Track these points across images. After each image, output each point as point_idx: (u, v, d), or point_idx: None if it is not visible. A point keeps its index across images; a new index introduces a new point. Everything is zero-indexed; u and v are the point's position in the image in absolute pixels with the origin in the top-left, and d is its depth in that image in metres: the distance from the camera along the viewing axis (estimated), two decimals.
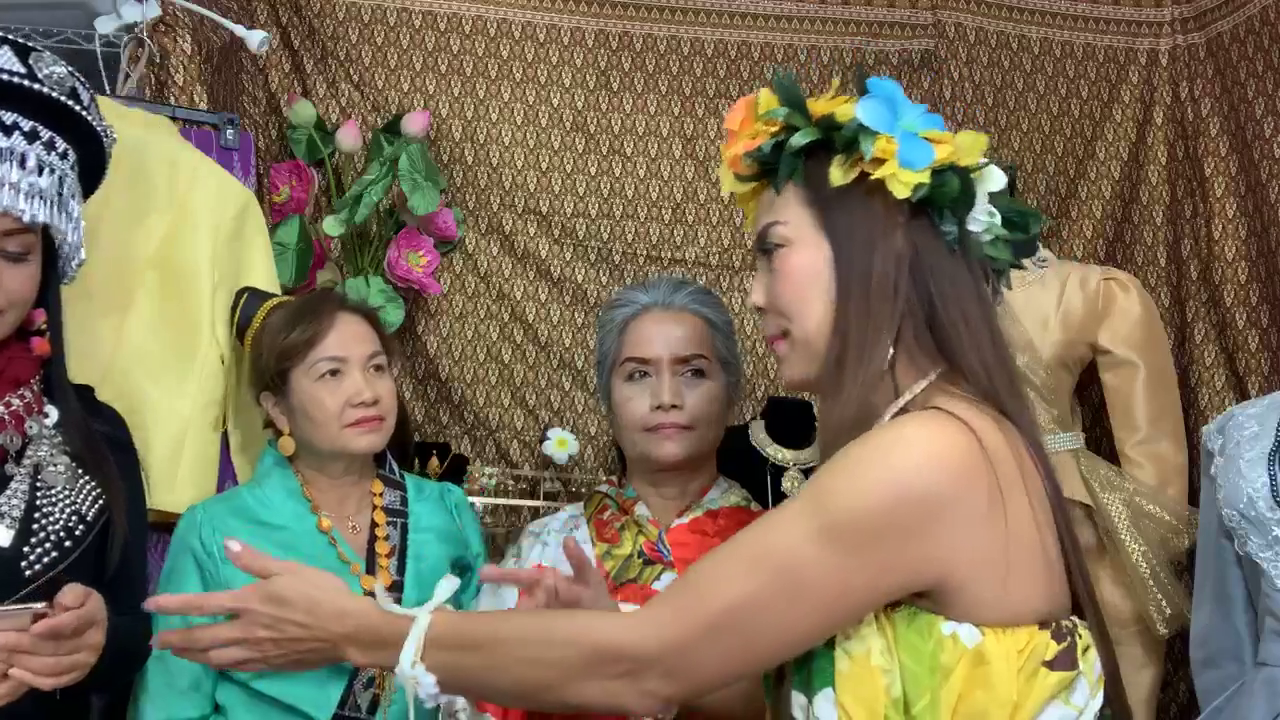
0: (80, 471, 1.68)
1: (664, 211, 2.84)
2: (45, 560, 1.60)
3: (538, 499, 2.68)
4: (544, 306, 2.80)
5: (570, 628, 1.25)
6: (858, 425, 1.21)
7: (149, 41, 2.25)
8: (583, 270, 2.81)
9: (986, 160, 1.31)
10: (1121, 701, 1.24)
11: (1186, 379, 2.75)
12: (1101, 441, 2.72)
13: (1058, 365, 2.59)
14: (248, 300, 2.05)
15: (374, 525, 1.96)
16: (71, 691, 1.53)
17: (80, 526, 1.64)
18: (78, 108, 1.65)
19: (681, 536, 1.83)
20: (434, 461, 2.55)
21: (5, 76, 1.58)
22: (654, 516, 1.86)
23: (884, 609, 1.17)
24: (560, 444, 2.66)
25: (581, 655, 1.21)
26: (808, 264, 1.28)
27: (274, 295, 2.10)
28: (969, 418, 1.17)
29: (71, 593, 1.45)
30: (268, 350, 1.94)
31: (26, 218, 1.57)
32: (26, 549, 1.59)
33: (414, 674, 1.22)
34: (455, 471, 2.57)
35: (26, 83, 1.59)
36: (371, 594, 1.86)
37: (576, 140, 2.81)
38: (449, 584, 1.29)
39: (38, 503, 1.62)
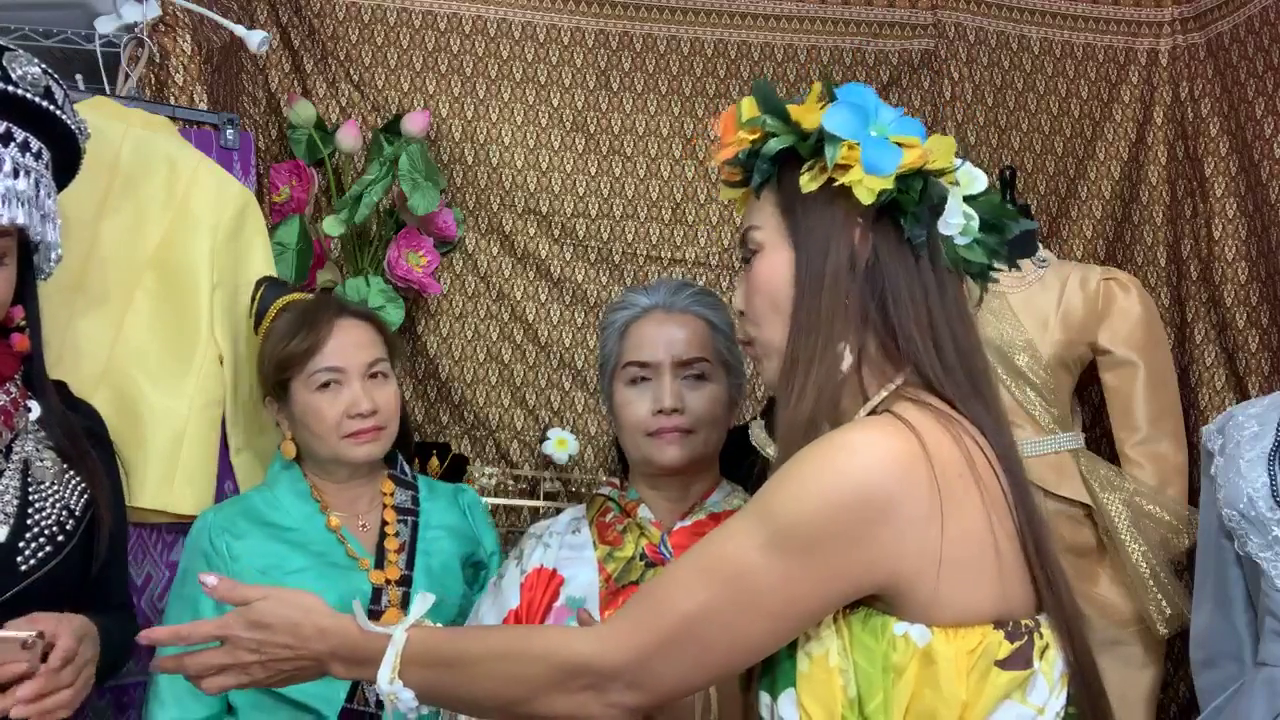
0: (65, 466, 1.68)
1: (664, 211, 2.84)
2: (40, 555, 1.60)
3: (538, 499, 2.68)
4: (544, 306, 2.80)
5: (538, 645, 1.29)
6: (810, 429, 1.23)
7: (149, 41, 2.25)
8: (583, 270, 2.81)
9: (962, 162, 1.31)
10: (1092, 700, 1.25)
11: (1186, 379, 2.75)
12: (1101, 441, 2.72)
13: (1058, 365, 2.59)
14: (266, 291, 2.05)
15: (384, 523, 1.97)
16: None
17: (70, 521, 1.65)
18: (52, 108, 1.64)
19: (684, 539, 1.82)
20: (434, 461, 2.56)
21: None
22: (656, 519, 1.85)
23: (841, 611, 1.19)
24: (560, 444, 2.66)
25: (549, 671, 1.25)
26: (774, 269, 1.31)
27: (290, 288, 2.10)
28: (916, 421, 1.18)
29: (67, 635, 1.47)
30: (269, 359, 1.95)
31: (4, 220, 1.56)
32: (21, 544, 1.59)
33: (392, 690, 1.27)
34: (455, 471, 2.57)
35: (1, 85, 1.58)
36: (380, 589, 1.89)
37: (576, 140, 2.81)
38: (424, 601, 1.33)
39: (30, 498, 1.62)
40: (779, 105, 1.31)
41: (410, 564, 1.95)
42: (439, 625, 1.35)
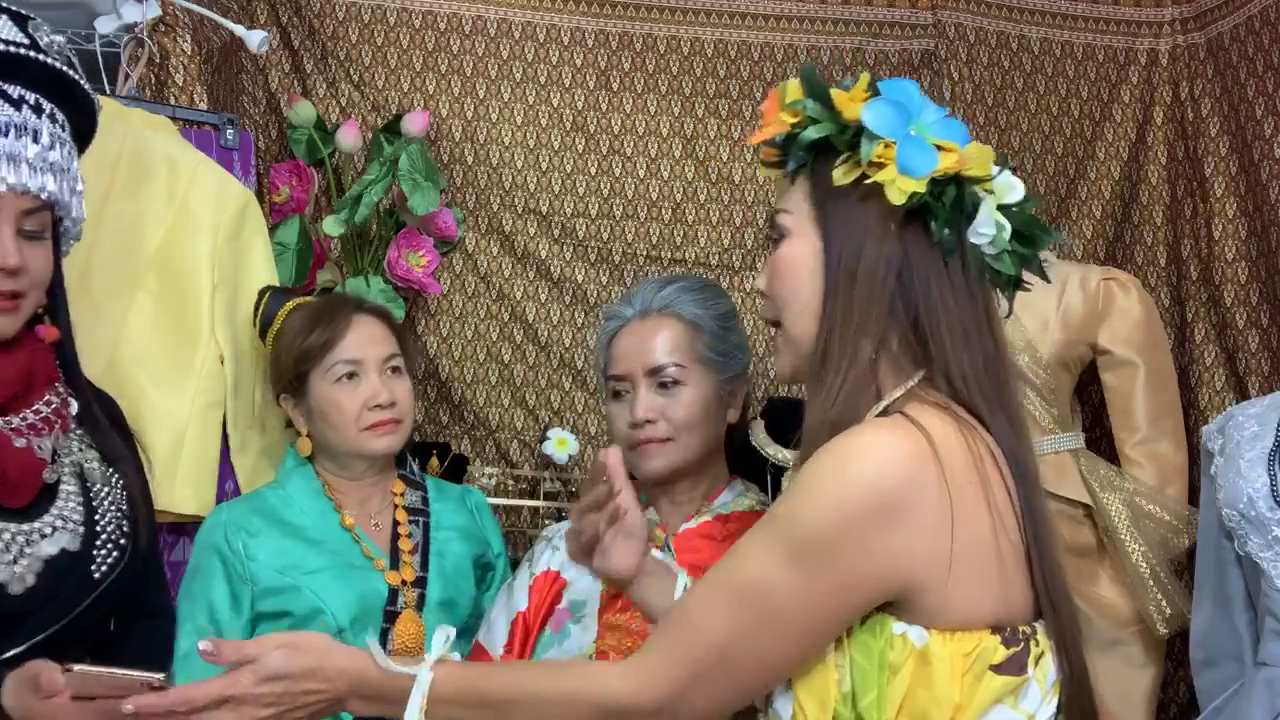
0: (107, 465, 1.65)
1: (664, 211, 2.84)
2: (110, 561, 1.59)
3: (538, 499, 2.68)
4: (544, 306, 2.80)
5: (571, 685, 1.27)
6: (837, 425, 1.23)
7: (149, 41, 2.25)
8: (583, 270, 2.81)
9: (1000, 170, 1.30)
10: (1083, 710, 1.25)
11: (1186, 379, 2.74)
12: (1101, 441, 2.72)
13: (1058, 365, 2.59)
14: (270, 299, 2.05)
15: (396, 523, 1.97)
16: None
17: (126, 522, 1.63)
18: (76, 76, 1.61)
19: (689, 541, 1.82)
20: (434, 461, 2.55)
21: (11, 48, 1.52)
22: (662, 521, 1.85)
23: None
24: (560, 444, 2.66)
25: (587, 713, 1.24)
26: (798, 257, 1.30)
27: (295, 295, 2.10)
28: (928, 423, 1.18)
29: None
30: (285, 353, 1.95)
31: (45, 194, 1.53)
32: (94, 552, 1.57)
33: None
34: (455, 471, 2.57)
35: (31, 53, 1.54)
36: (395, 590, 1.89)
37: (576, 140, 2.81)
38: (443, 635, 1.30)
39: (93, 504, 1.60)
40: (823, 90, 1.30)
41: (424, 565, 1.95)
42: (459, 658, 1.33)
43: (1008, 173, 1.32)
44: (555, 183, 2.80)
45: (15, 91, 1.53)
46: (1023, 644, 1.20)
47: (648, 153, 2.83)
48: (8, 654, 1.49)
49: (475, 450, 2.76)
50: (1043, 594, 1.23)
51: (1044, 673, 1.22)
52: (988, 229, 1.29)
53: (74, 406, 1.65)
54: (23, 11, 1.58)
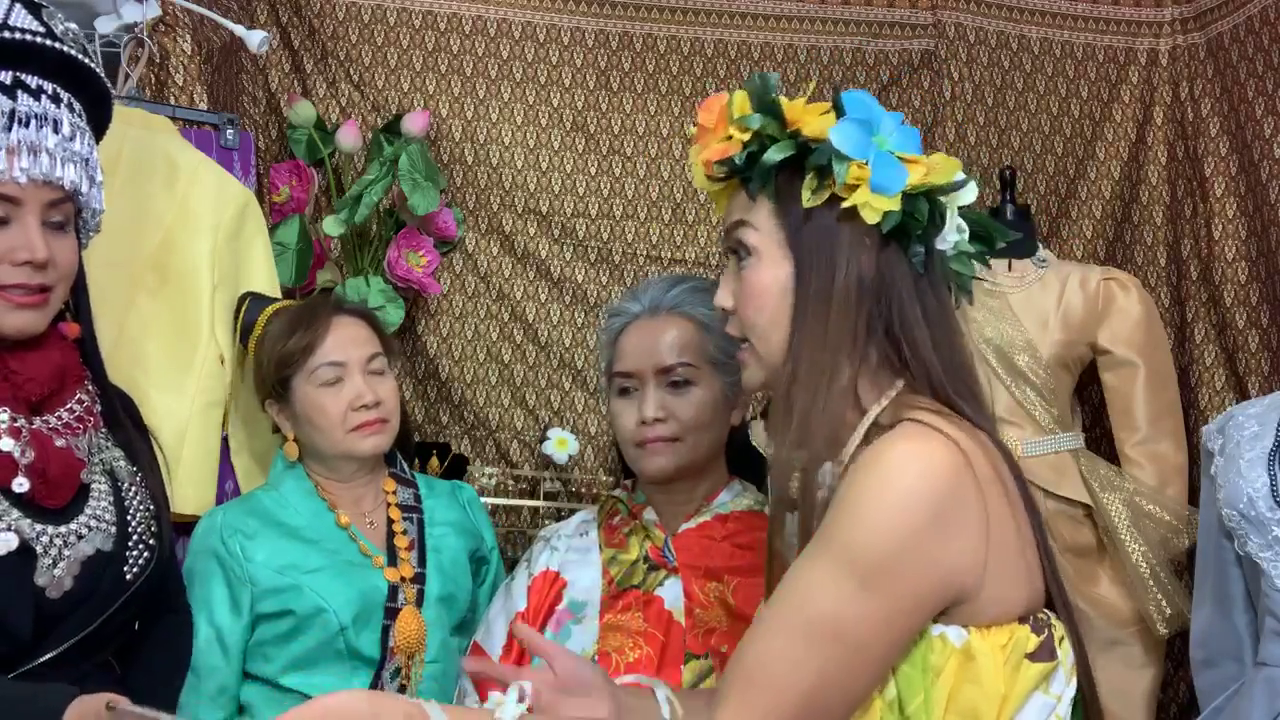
0: (132, 464, 1.64)
1: (664, 211, 2.84)
2: (141, 561, 1.58)
3: (538, 499, 2.68)
4: (544, 306, 2.80)
5: None
6: (831, 445, 1.24)
7: (149, 41, 2.25)
8: (583, 270, 2.81)
9: (963, 178, 1.29)
10: (1090, 687, 1.28)
11: (1186, 379, 2.75)
12: (1101, 441, 2.72)
13: (1058, 365, 2.59)
14: (249, 306, 2.05)
15: (390, 521, 1.97)
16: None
17: (153, 522, 1.62)
18: (92, 64, 1.57)
19: (688, 541, 1.81)
20: (434, 461, 2.56)
21: (29, 37, 1.49)
22: (661, 521, 1.84)
23: None
24: (560, 444, 2.66)
25: None
26: (771, 281, 1.29)
27: (275, 300, 2.10)
28: (946, 429, 1.19)
29: None
30: (268, 358, 1.95)
31: (68, 184, 1.50)
32: (126, 552, 1.56)
33: None
34: (455, 471, 2.57)
35: (49, 42, 1.50)
36: (395, 587, 1.89)
37: (576, 140, 2.81)
38: (517, 690, 1.21)
39: (125, 503, 1.59)
40: (775, 106, 1.28)
41: (422, 561, 1.96)
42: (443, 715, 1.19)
43: (963, 175, 1.30)
44: (555, 183, 2.80)
45: (34, 82, 1.49)
46: (1046, 631, 1.22)
47: (648, 153, 2.83)
48: (44, 657, 1.48)
49: (475, 450, 2.76)
50: (1050, 579, 1.26)
51: (1065, 654, 1.24)
52: (954, 235, 1.29)
53: (99, 405, 1.63)
54: (37, 0, 1.55)
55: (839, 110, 1.27)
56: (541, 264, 2.79)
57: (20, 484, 1.48)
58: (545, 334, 2.79)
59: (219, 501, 2.04)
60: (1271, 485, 1.92)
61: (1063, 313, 2.59)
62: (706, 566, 1.78)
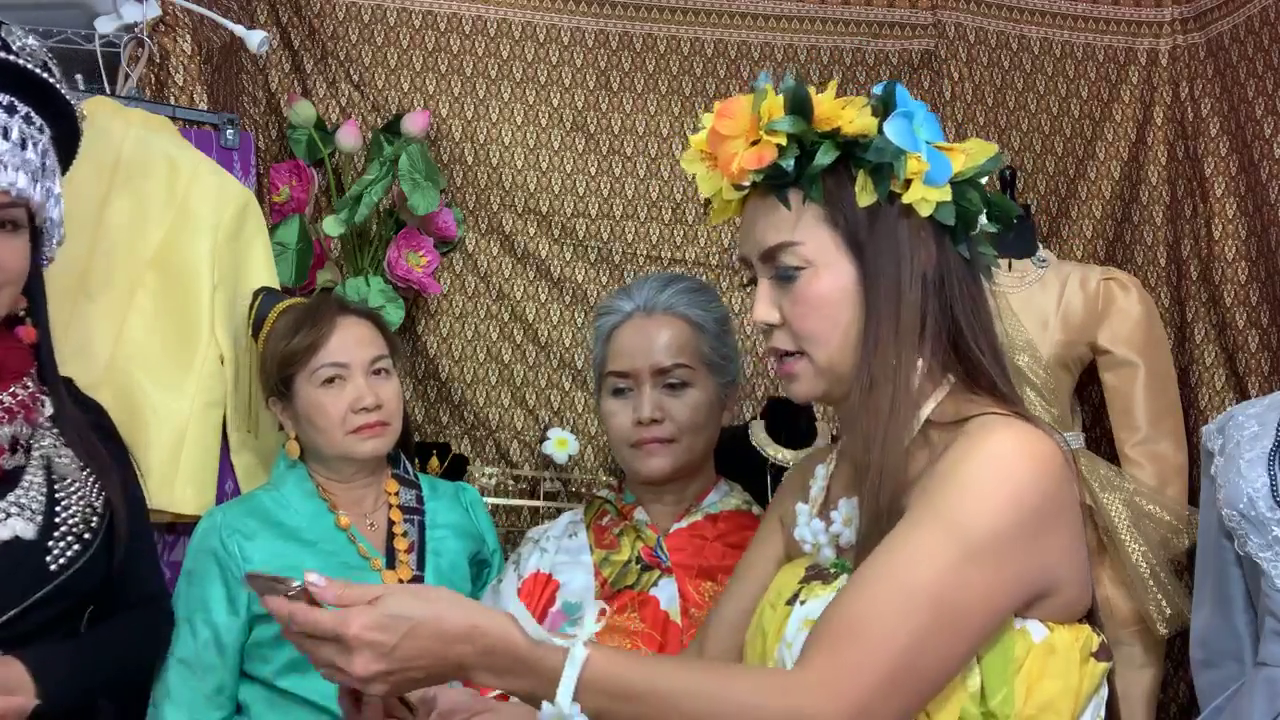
0: (83, 463, 1.66)
1: (664, 211, 2.84)
2: (69, 554, 1.59)
3: (538, 499, 2.68)
4: (544, 306, 2.80)
5: (740, 695, 1.15)
6: (898, 444, 1.24)
7: (149, 41, 2.25)
8: (583, 270, 2.81)
9: (996, 156, 1.30)
10: (1111, 687, 1.32)
11: (1186, 379, 2.75)
12: (1101, 441, 2.72)
13: (1058, 365, 2.59)
14: (263, 300, 2.06)
15: (391, 523, 1.97)
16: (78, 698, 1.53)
17: (94, 518, 1.63)
18: (51, 80, 1.62)
19: (680, 541, 1.82)
20: (434, 461, 2.55)
21: None
22: (652, 521, 1.84)
23: None
24: (560, 444, 2.66)
25: None
26: (836, 288, 1.27)
27: (288, 296, 2.10)
28: (1041, 427, 1.21)
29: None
30: (271, 357, 1.95)
31: (14, 191, 1.54)
32: (50, 543, 1.57)
33: (568, 713, 1.11)
34: (455, 471, 2.57)
35: (2, 54, 1.56)
36: (401, 583, 1.89)
37: (576, 140, 2.81)
38: (594, 611, 1.22)
39: (56, 495, 1.60)
40: (810, 109, 1.25)
41: (421, 564, 1.95)
42: (605, 646, 1.18)
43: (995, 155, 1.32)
44: (555, 183, 2.80)
45: None
46: (1100, 630, 1.25)
47: (648, 153, 2.83)
48: None
49: (475, 450, 2.76)
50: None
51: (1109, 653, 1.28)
52: (982, 217, 1.30)
53: (48, 407, 1.66)
54: None
55: (886, 105, 1.26)
56: (541, 264, 2.79)
57: None
58: (545, 334, 2.79)
59: (219, 501, 2.04)
60: (1271, 485, 1.92)
61: (1063, 313, 2.59)
62: (700, 566, 1.78)
